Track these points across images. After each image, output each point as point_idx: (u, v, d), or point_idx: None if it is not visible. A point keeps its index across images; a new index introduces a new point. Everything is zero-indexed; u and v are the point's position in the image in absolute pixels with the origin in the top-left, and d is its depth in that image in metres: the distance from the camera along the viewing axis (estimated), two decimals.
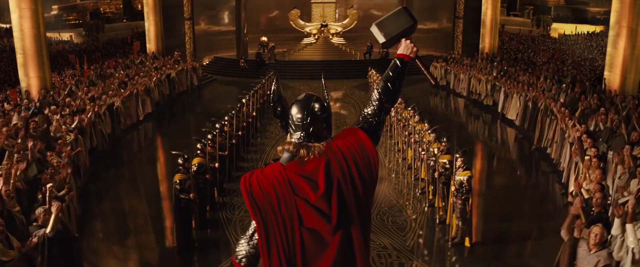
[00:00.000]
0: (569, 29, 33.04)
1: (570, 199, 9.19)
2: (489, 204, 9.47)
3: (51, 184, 6.58)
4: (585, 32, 31.56)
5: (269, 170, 2.31)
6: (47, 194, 6.40)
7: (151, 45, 22.60)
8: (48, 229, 5.47)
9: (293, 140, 2.37)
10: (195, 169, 8.04)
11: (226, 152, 9.66)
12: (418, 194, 9.73)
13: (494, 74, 17.53)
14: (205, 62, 25.72)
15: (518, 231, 8.41)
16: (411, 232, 8.21)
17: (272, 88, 2.50)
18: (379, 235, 7.92)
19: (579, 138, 8.81)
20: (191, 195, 7.35)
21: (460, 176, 7.32)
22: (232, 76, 23.70)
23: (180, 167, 7.57)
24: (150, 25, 22.61)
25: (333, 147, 2.32)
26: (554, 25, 34.33)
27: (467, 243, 7.55)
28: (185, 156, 7.65)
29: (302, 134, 2.35)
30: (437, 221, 8.43)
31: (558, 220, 9.20)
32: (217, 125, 9.70)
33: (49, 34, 29.26)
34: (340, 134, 2.40)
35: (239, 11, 26.50)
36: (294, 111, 2.39)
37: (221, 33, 27.48)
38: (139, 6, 28.80)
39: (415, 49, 2.46)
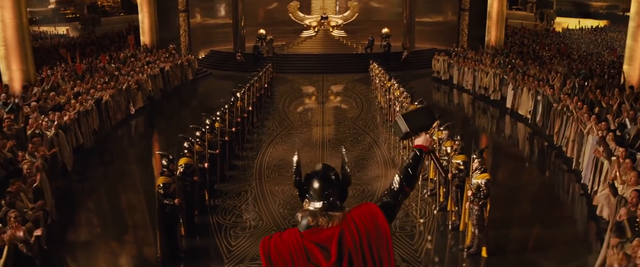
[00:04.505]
0: (572, 23, 32.40)
1: (594, 201, 8.43)
2: (505, 207, 8.65)
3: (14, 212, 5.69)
4: (590, 27, 30.92)
5: (287, 235, 2.50)
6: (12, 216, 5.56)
7: (145, 38, 21.94)
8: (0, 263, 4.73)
9: (311, 208, 2.54)
10: (181, 170, 7.27)
11: (217, 151, 8.87)
12: (426, 196, 8.97)
13: (504, 67, 16.73)
14: (201, 56, 24.93)
15: (538, 238, 7.66)
16: (421, 240, 7.45)
17: (294, 159, 2.66)
18: None
19: (603, 138, 8.04)
20: (176, 200, 6.58)
21: (478, 179, 6.55)
22: (228, 70, 22.90)
23: (164, 169, 6.78)
24: (144, 17, 21.93)
25: (348, 219, 2.51)
26: (557, 19, 33.67)
27: (484, 253, 6.79)
28: (170, 157, 6.86)
29: (321, 204, 2.53)
30: (450, 227, 7.66)
31: (580, 224, 8.49)
32: (207, 122, 8.89)
33: (44, 28, 28.79)
34: (358, 207, 2.58)
35: (236, 3, 25.65)
36: (313, 181, 2.57)
37: (217, 26, 26.67)
38: None
39: (432, 142, 2.78)
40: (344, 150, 2.83)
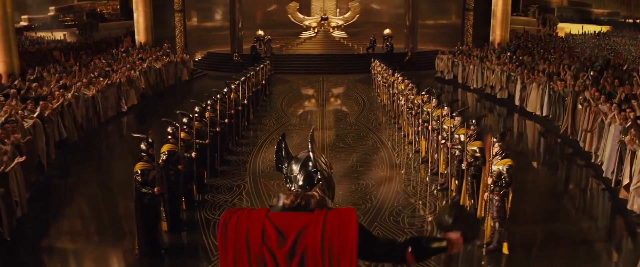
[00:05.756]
0: (575, 28, 32.05)
1: (621, 195, 7.69)
2: (524, 204, 7.90)
3: None
4: (593, 32, 30.53)
5: (255, 213, 2.35)
6: None
7: (140, 37, 21.51)
8: None
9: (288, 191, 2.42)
10: (164, 158, 6.51)
11: (207, 141, 8.10)
12: (436, 192, 8.20)
13: (513, 63, 16.06)
14: (198, 57, 24.40)
15: (562, 234, 6.89)
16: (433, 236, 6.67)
17: (279, 142, 2.53)
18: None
19: (635, 119, 7.31)
20: (156, 189, 5.81)
21: (499, 165, 5.79)
22: (225, 71, 22.22)
23: (143, 154, 6.02)
24: (139, 16, 21.48)
25: (320, 216, 2.29)
26: (560, 24, 33.31)
27: (505, 249, 6.01)
28: (150, 140, 6.10)
29: (295, 185, 2.41)
30: None
31: (606, 220, 7.76)
32: (196, 109, 8.13)
33: (42, 34, 28.44)
34: (338, 209, 2.35)
35: (234, 4, 25.08)
36: (292, 167, 2.43)
37: (214, 28, 26.14)
38: None
39: (460, 248, 2.47)
40: (311, 137, 2.47)
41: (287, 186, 2.40)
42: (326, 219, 2.28)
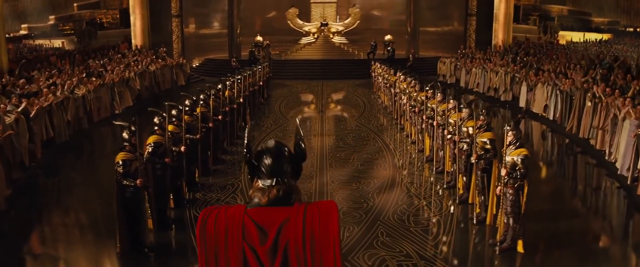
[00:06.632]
0: (575, 36, 31.86)
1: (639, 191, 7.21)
2: (535, 203, 7.40)
3: None
4: (594, 40, 30.29)
5: (232, 210, 2.36)
6: None
7: (137, 41, 21.21)
8: None
9: (261, 186, 2.36)
10: (150, 150, 6.04)
11: (198, 136, 7.62)
12: (441, 191, 7.71)
13: (516, 64, 15.67)
14: (195, 64, 24.06)
15: (577, 234, 6.41)
16: (440, 235, 6.18)
17: (245, 134, 2.63)
18: (399, 240, 5.89)
19: None
20: (138, 181, 5.32)
21: (513, 155, 5.31)
22: (222, 76, 21.87)
23: (125, 144, 5.54)
24: (136, 20, 21.24)
25: (301, 209, 2.30)
26: (561, 32, 33.14)
27: (520, 248, 5.49)
28: (132, 128, 5.62)
29: (271, 181, 2.36)
30: (474, 221, 6.37)
31: (619, 219, 7.29)
32: (186, 102, 7.67)
33: (41, 41, 28.35)
34: (319, 202, 2.37)
35: (232, 10, 24.76)
36: (265, 158, 2.39)
37: (213, 35, 25.86)
38: None
39: None
40: (298, 122, 2.64)
41: (259, 182, 2.35)
42: (306, 213, 2.27)
